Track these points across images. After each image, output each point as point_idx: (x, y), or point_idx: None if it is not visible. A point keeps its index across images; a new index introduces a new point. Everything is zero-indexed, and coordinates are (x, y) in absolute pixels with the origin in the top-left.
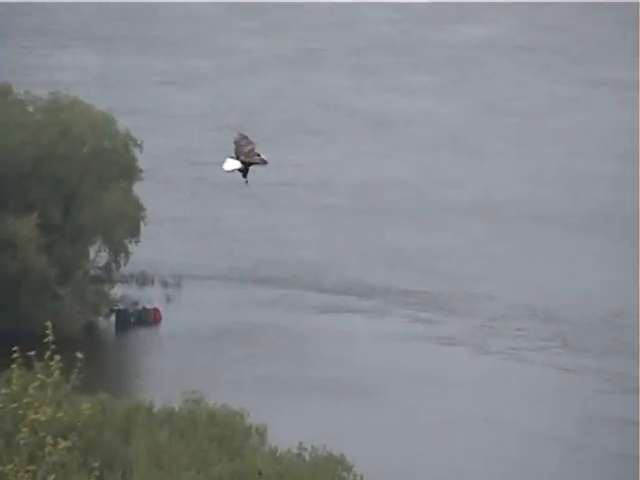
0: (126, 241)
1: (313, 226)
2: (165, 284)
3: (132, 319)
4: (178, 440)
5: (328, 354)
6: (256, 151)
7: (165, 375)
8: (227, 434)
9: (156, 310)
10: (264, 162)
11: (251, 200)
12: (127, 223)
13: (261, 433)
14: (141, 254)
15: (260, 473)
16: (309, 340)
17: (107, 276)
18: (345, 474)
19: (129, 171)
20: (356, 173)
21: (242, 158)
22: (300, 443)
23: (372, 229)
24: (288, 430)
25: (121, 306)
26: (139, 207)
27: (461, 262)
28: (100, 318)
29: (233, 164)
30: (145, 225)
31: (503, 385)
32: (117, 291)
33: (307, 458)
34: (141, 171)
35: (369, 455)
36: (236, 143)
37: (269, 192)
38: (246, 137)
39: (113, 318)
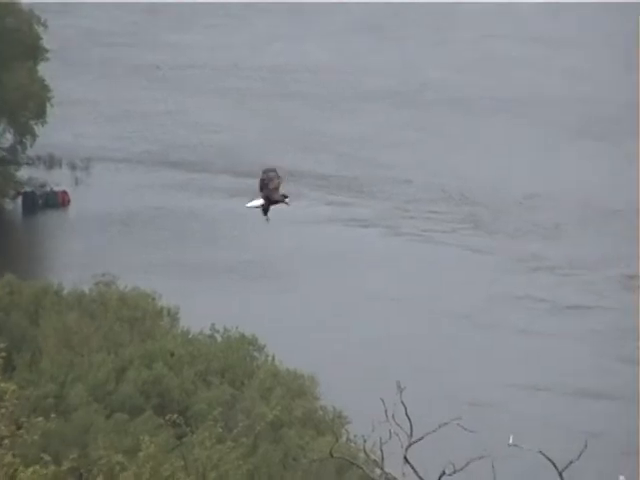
0: (32, 122)
1: (225, 110)
2: (73, 167)
3: (40, 202)
4: (88, 322)
5: (240, 237)
6: (281, 189)
7: (74, 258)
8: (138, 316)
9: (64, 193)
10: (286, 202)
11: (162, 83)
12: (33, 104)
13: (173, 315)
14: (49, 136)
15: (172, 354)
16: (220, 223)
17: (13, 158)
18: (257, 354)
19: (34, 51)
20: (269, 56)
21: (265, 194)
22: (212, 325)
23: (286, 114)
24: (200, 312)
25: (28, 188)
26: (45, 88)
27: (377, 147)
28: (6, 200)
29: (256, 202)
30: (52, 107)
31: (414, 266)
32: (24, 173)
33: (219, 339)
34: (47, 51)
35: (280, 336)
36: (265, 174)
37: (180, 75)
38: (275, 171)
39: (20, 201)
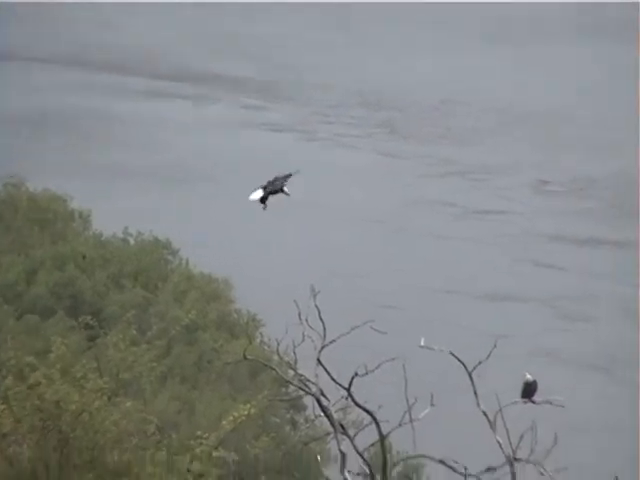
0: None
1: (144, 12)
2: None
3: None
4: None
5: (155, 140)
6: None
7: None
8: (49, 218)
9: None
10: (285, 192)
11: None
12: None
13: (85, 217)
14: None
15: (84, 257)
16: (135, 126)
17: None
18: (171, 258)
19: None
20: None
21: (269, 189)
22: (125, 228)
23: (201, 16)
24: (113, 215)
25: None
26: None
27: (295, 50)
28: None
29: (257, 194)
30: None
31: (329, 171)
32: None
33: (132, 242)
34: None
35: (195, 240)
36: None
37: None
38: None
39: None
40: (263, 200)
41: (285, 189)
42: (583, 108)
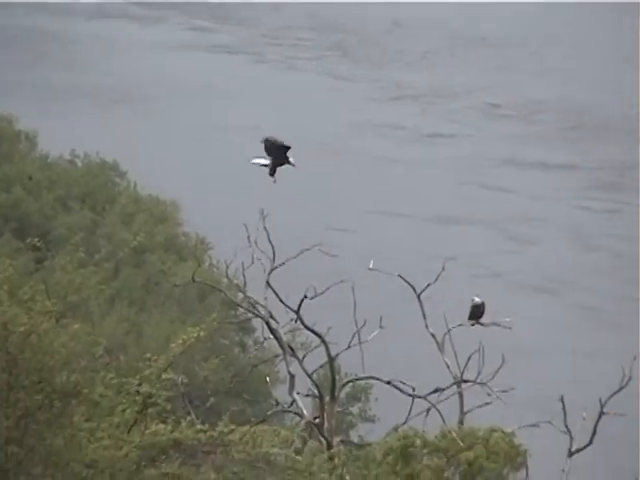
0: None
1: None
2: None
3: None
4: None
5: (100, 61)
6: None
7: None
8: None
9: None
10: (291, 163)
11: None
12: None
13: (31, 139)
14: None
15: (30, 178)
16: (80, 46)
17: None
18: (118, 180)
19: None
20: None
21: (276, 162)
22: (72, 150)
23: None
24: (59, 136)
25: None
26: None
27: None
28: None
29: (261, 160)
30: None
31: (278, 94)
32: None
33: (79, 164)
34: None
35: (143, 162)
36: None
37: None
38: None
39: None
40: (272, 173)
41: (291, 160)
42: (534, 32)
